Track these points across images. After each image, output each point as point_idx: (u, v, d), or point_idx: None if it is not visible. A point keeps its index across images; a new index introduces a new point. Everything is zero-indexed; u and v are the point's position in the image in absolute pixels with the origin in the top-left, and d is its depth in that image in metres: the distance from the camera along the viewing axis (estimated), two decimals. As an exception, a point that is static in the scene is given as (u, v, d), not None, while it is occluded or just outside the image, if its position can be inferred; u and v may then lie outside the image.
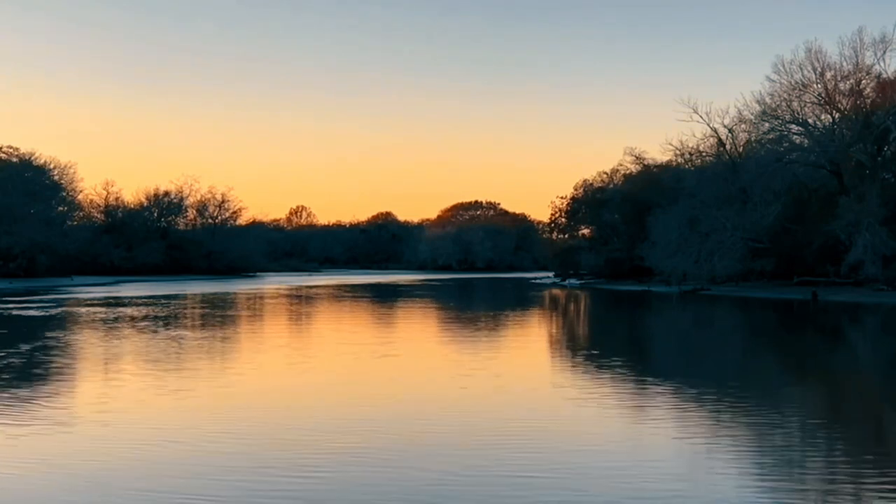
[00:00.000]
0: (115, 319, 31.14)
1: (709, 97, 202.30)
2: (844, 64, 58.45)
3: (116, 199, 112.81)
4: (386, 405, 13.17)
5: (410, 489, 8.26)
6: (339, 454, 9.70)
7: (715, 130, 68.65)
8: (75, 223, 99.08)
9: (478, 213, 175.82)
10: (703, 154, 71.30)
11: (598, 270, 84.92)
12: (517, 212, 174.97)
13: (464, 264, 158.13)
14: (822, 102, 59.69)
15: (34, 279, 76.77)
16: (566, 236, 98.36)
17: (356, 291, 63.56)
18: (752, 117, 64.23)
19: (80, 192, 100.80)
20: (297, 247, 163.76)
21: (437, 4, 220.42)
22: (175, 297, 51.81)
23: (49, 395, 13.79)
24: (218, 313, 36.56)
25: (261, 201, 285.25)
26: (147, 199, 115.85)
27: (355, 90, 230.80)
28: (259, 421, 11.76)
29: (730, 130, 67.71)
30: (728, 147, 68.28)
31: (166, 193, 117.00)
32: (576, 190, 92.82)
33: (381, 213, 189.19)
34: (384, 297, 55.45)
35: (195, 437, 10.57)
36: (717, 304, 46.85)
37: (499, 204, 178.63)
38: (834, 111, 59.43)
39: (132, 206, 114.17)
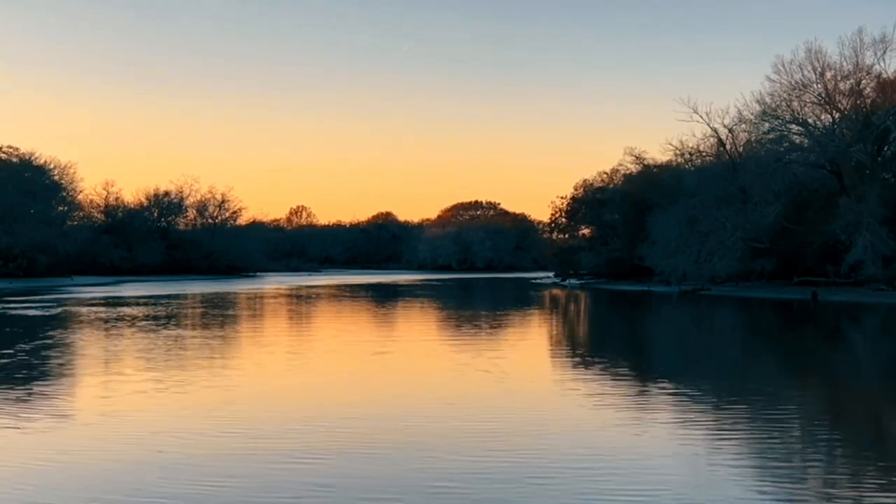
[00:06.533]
0: (116, 319, 31.16)
1: (709, 97, 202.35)
2: (844, 64, 58.53)
3: (116, 199, 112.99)
4: (388, 405, 13.18)
5: (413, 491, 8.28)
6: (341, 454, 9.71)
7: (715, 130, 68.75)
8: (75, 223, 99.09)
9: (478, 213, 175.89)
10: (703, 154, 71.35)
11: (598, 270, 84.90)
12: (517, 212, 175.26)
13: (464, 264, 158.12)
14: (822, 102, 59.69)
15: (34, 279, 76.76)
16: (566, 236, 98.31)
17: (356, 291, 63.57)
18: (752, 117, 64.28)
19: (80, 192, 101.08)
20: (297, 247, 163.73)
21: (437, 4, 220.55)
22: (175, 297, 51.82)
23: (50, 394, 13.80)
24: (218, 313, 36.57)
25: (261, 201, 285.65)
26: (147, 199, 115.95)
27: (355, 90, 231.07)
28: (261, 420, 11.78)
29: (730, 130, 67.80)
30: (728, 147, 68.29)
31: (166, 193, 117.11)
32: (576, 190, 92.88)
33: (381, 213, 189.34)
34: (384, 296, 55.46)
35: (195, 436, 10.59)
36: (717, 304, 46.86)
37: (499, 204, 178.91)
38: (834, 111, 59.43)
39: (132, 206, 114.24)
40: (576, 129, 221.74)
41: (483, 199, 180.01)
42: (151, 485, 8.33)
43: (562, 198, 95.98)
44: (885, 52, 57.69)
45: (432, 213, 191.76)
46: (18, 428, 11.06)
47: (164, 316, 33.26)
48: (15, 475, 8.73)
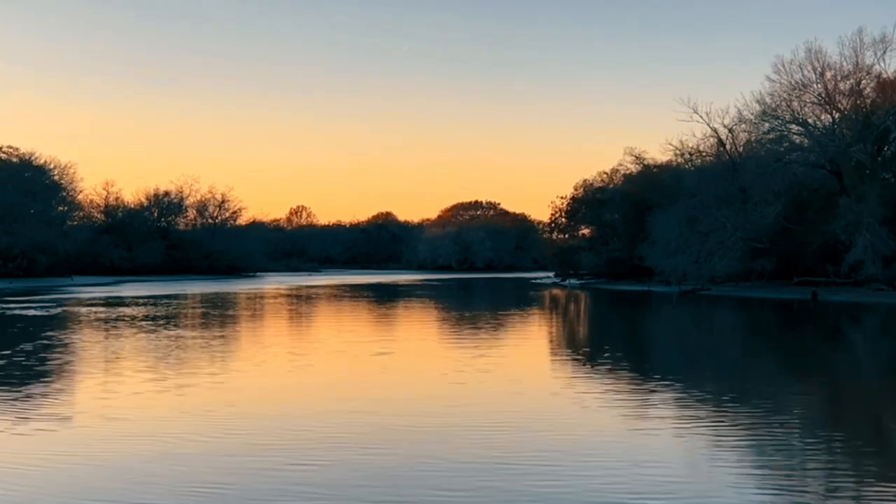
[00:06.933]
0: (116, 319, 31.14)
1: (709, 97, 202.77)
2: (844, 64, 58.54)
3: (116, 199, 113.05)
4: (389, 408, 13.16)
5: (413, 500, 8.26)
6: (340, 460, 9.67)
7: (715, 130, 68.75)
8: (75, 223, 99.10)
9: (478, 213, 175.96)
10: (703, 154, 71.36)
11: (598, 270, 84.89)
12: (517, 212, 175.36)
13: (464, 264, 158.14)
14: (822, 102, 59.68)
15: (34, 279, 76.76)
16: (566, 236, 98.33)
17: (356, 291, 63.55)
18: (752, 117, 64.28)
19: (80, 192, 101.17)
20: (297, 247, 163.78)
21: (437, 4, 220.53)
22: (175, 297, 51.81)
23: (46, 396, 13.78)
24: (218, 313, 36.55)
25: (261, 201, 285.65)
26: (147, 199, 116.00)
27: (355, 90, 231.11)
28: (260, 416, 11.77)
29: (730, 130, 67.80)
30: (728, 147, 68.28)
31: (166, 193, 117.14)
32: (576, 190, 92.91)
33: (381, 213, 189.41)
34: (385, 296, 55.44)
35: (198, 433, 10.57)
36: (717, 304, 46.84)
37: (499, 204, 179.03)
38: (834, 111, 59.41)
39: (132, 206, 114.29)
40: (576, 129, 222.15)
41: (483, 199, 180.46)
42: (142, 489, 8.27)
43: (562, 198, 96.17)
44: (885, 52, 57.79)
45: (432, 213, 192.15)
46: (11, 430, 11.00)
47: (164, 316, 33.24)
48: (7, 477, 8.71)
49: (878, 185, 54.98)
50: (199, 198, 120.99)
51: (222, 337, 24.91)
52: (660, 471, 8.88)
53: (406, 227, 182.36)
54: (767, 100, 61.73)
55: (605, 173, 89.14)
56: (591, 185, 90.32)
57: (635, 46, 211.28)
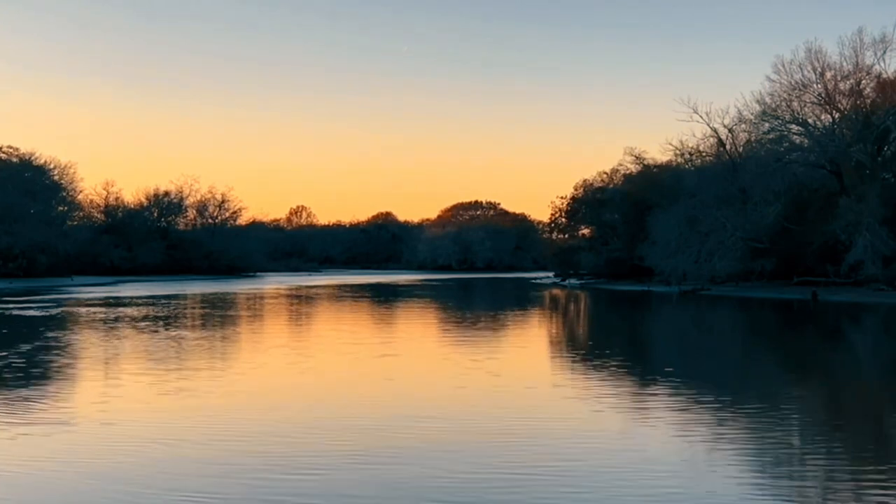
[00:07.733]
0: (116, 319, 31.12)
1: (709, 97, 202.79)
2: (844, 64, 58.54)
3: (116, 199, 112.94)
4: (392, 412, 13.14)
5: (414, 492, 8.24)
6: (342, 465, 9.63)
7: (715, 130, 68.73)
8: (75, 223, 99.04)
9: (478, 213, 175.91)
10: (703, 154, 71.35)
11: (598, 270, 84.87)
12: (517, 212, 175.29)
13: (463, 264, 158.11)
14: (822, 102, 59.67)
15: (34, 279, 76.73)
16: (566, 236, 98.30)
17: (356, 291, 63.53)
18: (752, 117, 64.28)
19: (80, 192, 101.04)
20: (297, 247, 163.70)
21: (436, 4, 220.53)
22: (175, 297, 51.79)
23: (50, 395, 13.76)
24: (218, 313, 36.53)
25: (261, 201, 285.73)
26: (147, 199, 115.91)
27: (355, 90, 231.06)
28: (260, 420, 11.74)
29: (730, 130, 67.78)
30: (728, 147, 68.27)
31: (166, 193, 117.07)
32: (576, 190, 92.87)
33: (381, 213, 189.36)
34: (385, 297, 55.42)
35: (196, 437, 10.55)
36: (717, 304, 46.83)
37: (499, 204, 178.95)
38: (834, 111, 59.40)
39: (132, 206, 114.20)
40: (576, 129, 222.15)
41: (483, 199, 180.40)
42: (138, 494, 8.22)
43: (562, 198, 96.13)
44: (885, 52, 57.81)
45: (432, 213, 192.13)
46: (6, 433, 10.90)
47: (164, 317, 33.22)
48: (17, 474, 8.69)
49: (878, 185, 54.97)
50: (199, 198, 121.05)
51: (223, 339, 24.89)
52: (664, 471, 8.86)
53: (406, 227, 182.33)
54: (767, 100, 61.83)
55: (605, 173, 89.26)
56: (591, 185, 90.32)
57: (635, 46, 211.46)
